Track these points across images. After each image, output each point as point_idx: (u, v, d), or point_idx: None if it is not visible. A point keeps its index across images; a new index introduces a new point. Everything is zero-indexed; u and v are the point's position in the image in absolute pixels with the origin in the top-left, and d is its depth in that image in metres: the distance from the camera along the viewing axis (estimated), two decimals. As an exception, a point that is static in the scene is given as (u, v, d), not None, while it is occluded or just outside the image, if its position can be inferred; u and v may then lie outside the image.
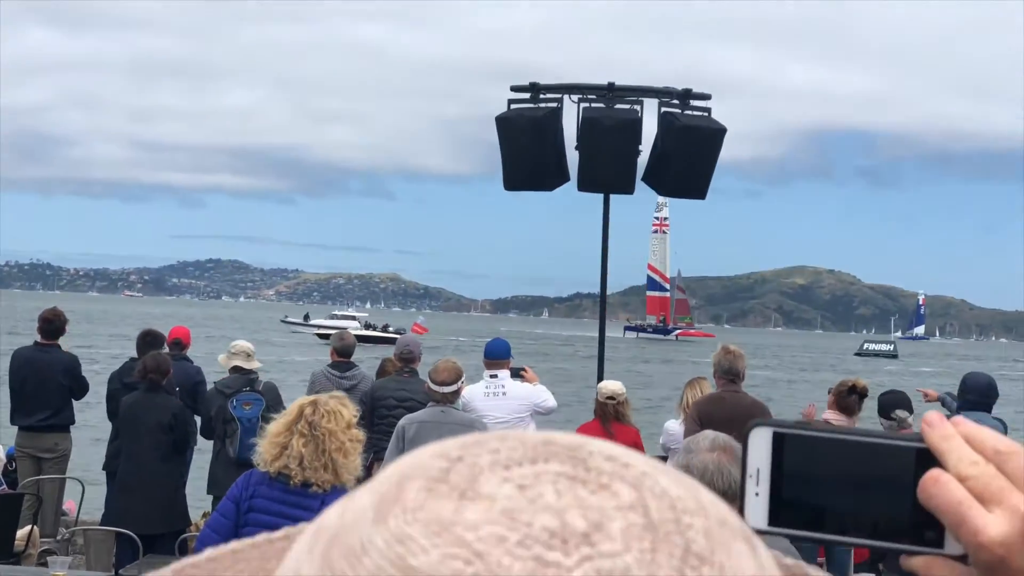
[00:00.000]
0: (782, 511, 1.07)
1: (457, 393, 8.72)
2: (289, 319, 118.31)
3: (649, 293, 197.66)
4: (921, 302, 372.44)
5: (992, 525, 0.97)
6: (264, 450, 5.49)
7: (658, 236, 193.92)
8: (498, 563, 0.64)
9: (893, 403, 8.80)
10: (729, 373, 8.93)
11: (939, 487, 1.00)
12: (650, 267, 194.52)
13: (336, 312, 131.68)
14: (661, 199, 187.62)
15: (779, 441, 1.06)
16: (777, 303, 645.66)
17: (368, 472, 10.40)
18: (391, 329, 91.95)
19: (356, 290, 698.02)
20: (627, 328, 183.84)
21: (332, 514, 0.69)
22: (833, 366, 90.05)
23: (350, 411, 5.62)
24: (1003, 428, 9.63)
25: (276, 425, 5.50)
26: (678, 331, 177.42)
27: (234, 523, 5.53)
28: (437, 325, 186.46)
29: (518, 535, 0.65)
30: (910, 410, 8.80)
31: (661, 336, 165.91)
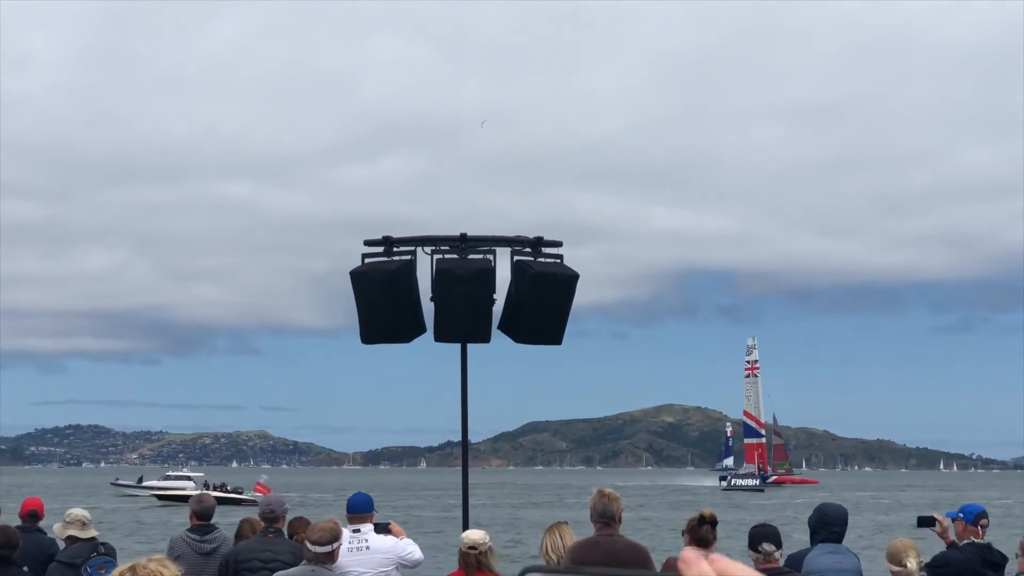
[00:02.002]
0: None
1: (332, 555, 8.62)
2: (120, 481, 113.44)
3: (746, 440, 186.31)
4: (728, 433, 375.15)
5: None
6: None
7: (750, 380, 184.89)
8: None
9: (761, 536, 8.92)
10: (604, 516, 8.97)
11: None
12: (745, 413, 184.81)
13: (170, 473, 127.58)
14: (750, 341, 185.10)
15: None
16: (647, 442, 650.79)
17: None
18: (229, 488, 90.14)
19: (223, 449, 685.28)
20: (721, 478, 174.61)
21: None
22: (696, 503, 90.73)
23: (171, 571, 5.57)
24: (856, 560, 9.85)
25: None
26: (773, 478, 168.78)
27: None
28: (307, 481, 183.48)
29: None
30: (778, 544, 8.92)
31: (757, 484, 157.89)
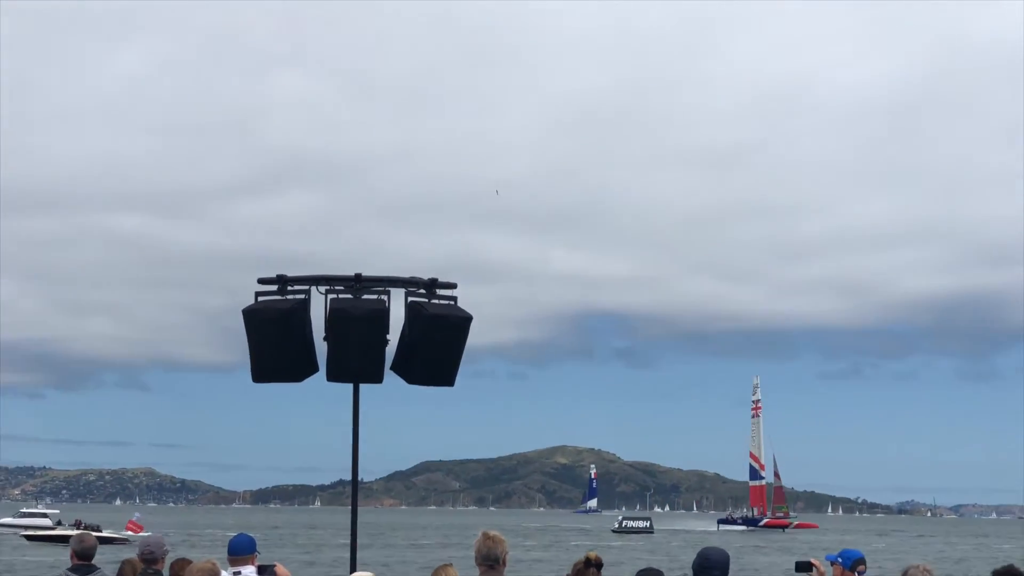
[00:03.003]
0: None
1: None
2: None
3: (751, 483, 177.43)
4: (593, 475, 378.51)
5: None
6: None
7: (755, 420, 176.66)
8: None
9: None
10: (488, 559, 8.95)
11: None
12: (751, 455, 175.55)
13: (24, 510, 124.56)
14: (755, 380, 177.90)
15: None
16: (540, 483, 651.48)
17: None
18: (84, 525, 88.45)
19: (108, 486, 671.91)
20: (720, 521, 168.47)
21: None
22: (581, 545, 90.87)
23: None
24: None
25: None
26: (765, 520, 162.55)
27: None
28: (194, 520, 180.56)
29: None
30: (661, 586, 8.98)
31: (750, 527, 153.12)
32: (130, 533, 74.71)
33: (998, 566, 8.01)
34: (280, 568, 10.45)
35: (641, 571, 9.20)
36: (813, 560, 10.78)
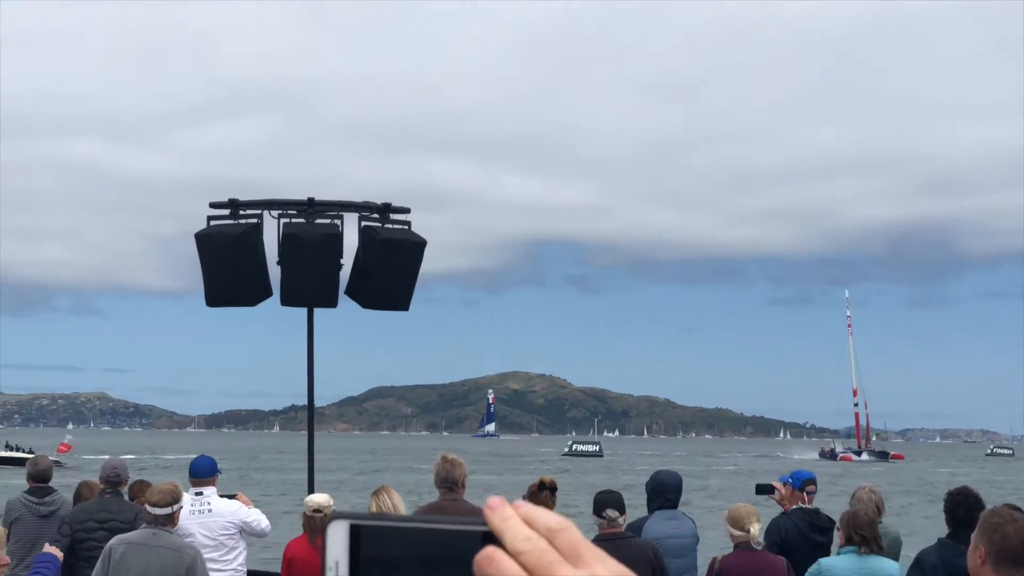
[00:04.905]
0: None
1: (172, 517, 8.55)
2: None
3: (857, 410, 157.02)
4: (491, 400, 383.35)
5: None
6: None
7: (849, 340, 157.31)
8: None
9: (605, 503, 9.09)
10: (447, 482, 9.12)
11: (492, 564, 1.08)
12: (855, 392, 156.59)
13: None
14: (846, 295, 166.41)
15: (356, 533, 1.12)
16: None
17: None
18: (14, 447, 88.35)
19: (61, 410, 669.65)
20: (821, 454, 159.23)
21: None
22: (536, 469, 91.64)
23: None
24: (692, 525, 10.17)
25: None
26: (841, 454, 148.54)
27: None
28: (151, 443, 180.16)
29: None
30: (622, 510, 9.10)
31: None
32: (62, 455, 74.34)
33: (952, 488, 8.21)
34: (242, 496, 10.55)
35: (600, 492, 9.36)
36: (775, 483, 10.99)
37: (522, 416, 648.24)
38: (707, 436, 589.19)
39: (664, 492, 10.22)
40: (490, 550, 1.09)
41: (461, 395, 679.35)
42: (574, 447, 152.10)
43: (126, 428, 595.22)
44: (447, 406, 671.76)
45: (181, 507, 8.72)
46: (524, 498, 9.82)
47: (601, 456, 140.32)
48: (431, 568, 1.11)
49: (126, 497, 10.62)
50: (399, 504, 9.61)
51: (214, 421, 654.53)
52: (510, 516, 1.10)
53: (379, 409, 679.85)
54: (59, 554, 7.17)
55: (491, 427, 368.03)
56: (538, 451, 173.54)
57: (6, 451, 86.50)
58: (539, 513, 1.10)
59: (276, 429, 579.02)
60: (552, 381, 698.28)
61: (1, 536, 5.53)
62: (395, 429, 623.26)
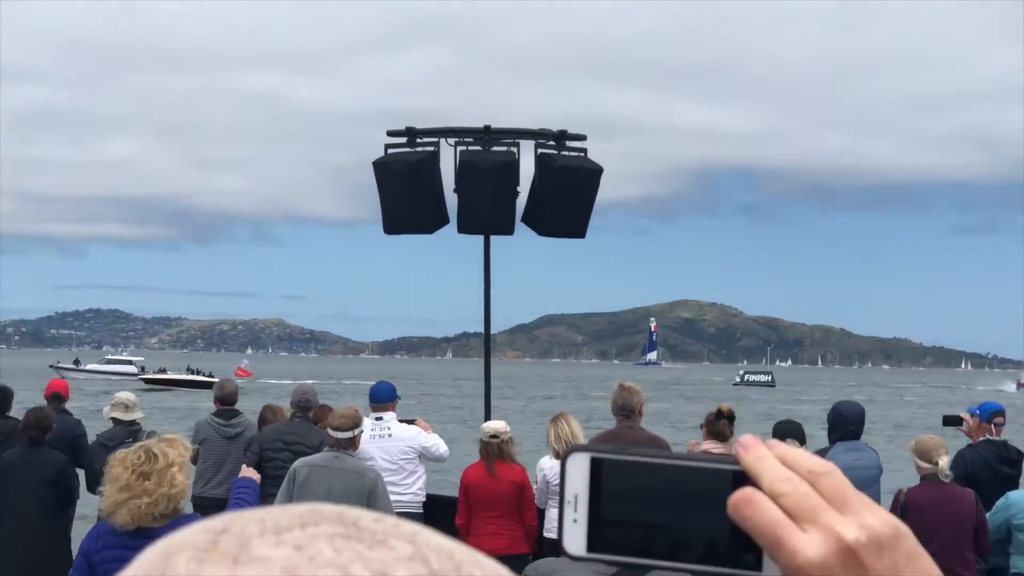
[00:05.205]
0: (601, 537, 1.07)
1: (353, 441, 8.66)
2: (60, 364, 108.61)
3: None
4: (653, 328, 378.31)
5: (809, 546, 0.98)
6: (105, 504, 5.60)
7: None
8: None
9: (785, 432, 8.93)
10: (624, 409, 9.03)
11: (752, 507, 1.00)
12: None
13: (110, 356, 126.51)
14: None
15: (597, 467, 1.06)
16: (662, 337, 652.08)
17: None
18: (196, 371, 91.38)
19: (240, 336, 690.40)
20: (1019, 385, 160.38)
21: None
22: (709, 398, 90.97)
23: (176, 450, 5.75)
24: (876, 457, 9.93)
25: (110, 476, 5.60)
26: None
27: None
28: (327, 369, 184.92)
29: None
30: (802, 440, 8.93)
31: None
32: (239, 379, 76.73)
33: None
34: (421, 422, 10.68)
35: (779, 423, 9.20)
36: (963, 414, 10.66)
37: (692, 345, 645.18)
38: (884, 367, 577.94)
39: (846, 423, 9.98)
40: (748, 491, 1.00)
41: (632, 323, 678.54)
42: (746, 377, 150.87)
43: (302, 354, 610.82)
44: (617, 334, 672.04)
45: (362, 431, 8.85)
46: (701, 427, 9.73)
47: (773, 386, 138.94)
48: (675, 506, 1.05)
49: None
50: (577, 431, 9.62)
51: (387, 348, 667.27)
52: (765, 456, 1.01)
53: (550, 337, 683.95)
54: (257, 477, 7.36)
55: (653, 355, 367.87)
56: (708, 380, 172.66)
57: (188, 375, 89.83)
58: (798, 454, 1.01)
59: (448, 356, 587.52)
60: (723, 310, 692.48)
61: (182, 452, 5.73)
62: (565, 357, 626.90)
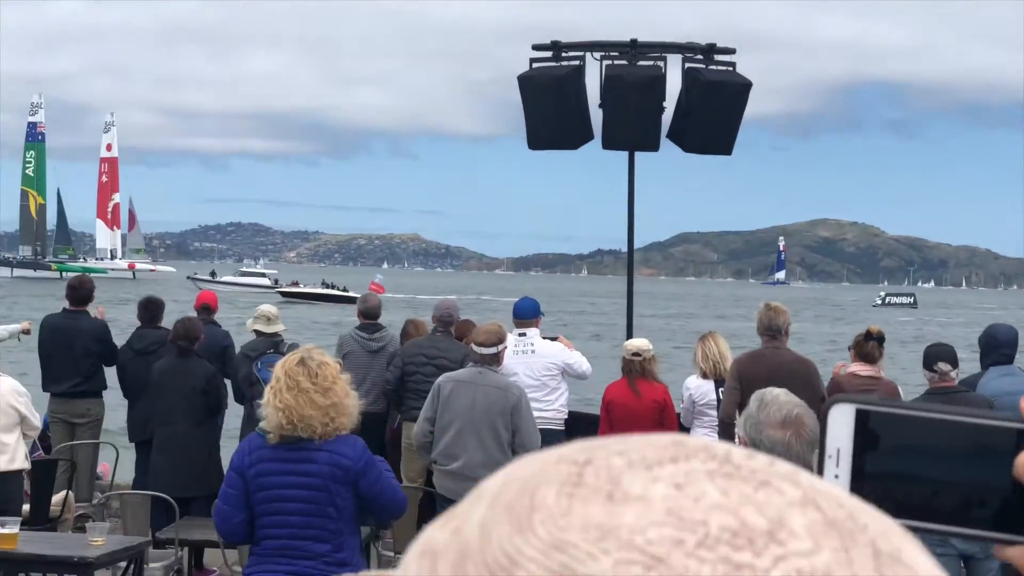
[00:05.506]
0: (863, 495, 0.95)
1: (497, 356, 8.62)
2: (197, 276, 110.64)
3: None
4: (781, 248, 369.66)
5: None
6: (267, 415, 5.47)
7: None
8: (683, 567, 0.58)
9: (937, 356, 8.66)
10: (770, 329, 8.85)
11: None
12: None
13: (244, 269, 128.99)
14: None
15: (863, 419, 0.98)
16: (800, 256, 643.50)
17: (396, 434, 10.50)
18: (301, 286, 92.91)
19: (377, 251, 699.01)
20: None
21: (435, 537, 0.63)
22: (847, 319, 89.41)
23: (333, 362, 5.69)
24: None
25: (275, 391, 5.47)
26: None
27: (242, 492, 5.57)
28: (463, 284, 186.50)
29: (696, 536, 0.59)
30: (954, 364, 8.66)
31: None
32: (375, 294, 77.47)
33: None
34: (563, 339, 10.65)
35: (930, 346, 8.94)
36: None
37: (832, 264, 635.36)
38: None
39: (998, 347, 9.66)
40: None
41: (768, 242, 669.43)
42: (887, 298, 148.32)
43: (437, 269, 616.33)
44: (754, 253, 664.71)
45: (505, 347, 8.84)
46: (849, 349, 9.51)
47: (915, 307, 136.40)
48: (948, 465, 0.96)
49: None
50: (725, 351, 9.49)
51: (521, 264, 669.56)
52: None
53: (684, 255, 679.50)
54: None
55: (780, 274, 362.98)
56: (845, 300, 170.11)
57: (323, 288, 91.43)
58: None
59: (584, 273, 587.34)
60: (864, 229, 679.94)
61: (336, 366, 5.69)
62: (700, 275, 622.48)
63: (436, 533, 0.64)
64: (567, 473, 0.62)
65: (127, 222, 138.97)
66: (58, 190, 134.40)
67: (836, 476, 0.98)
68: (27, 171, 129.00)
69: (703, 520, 0.59)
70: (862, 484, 0.98)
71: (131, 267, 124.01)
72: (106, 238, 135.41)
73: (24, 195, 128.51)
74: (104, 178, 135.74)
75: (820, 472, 0.98)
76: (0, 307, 53.40)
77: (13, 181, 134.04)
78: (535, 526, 0.60)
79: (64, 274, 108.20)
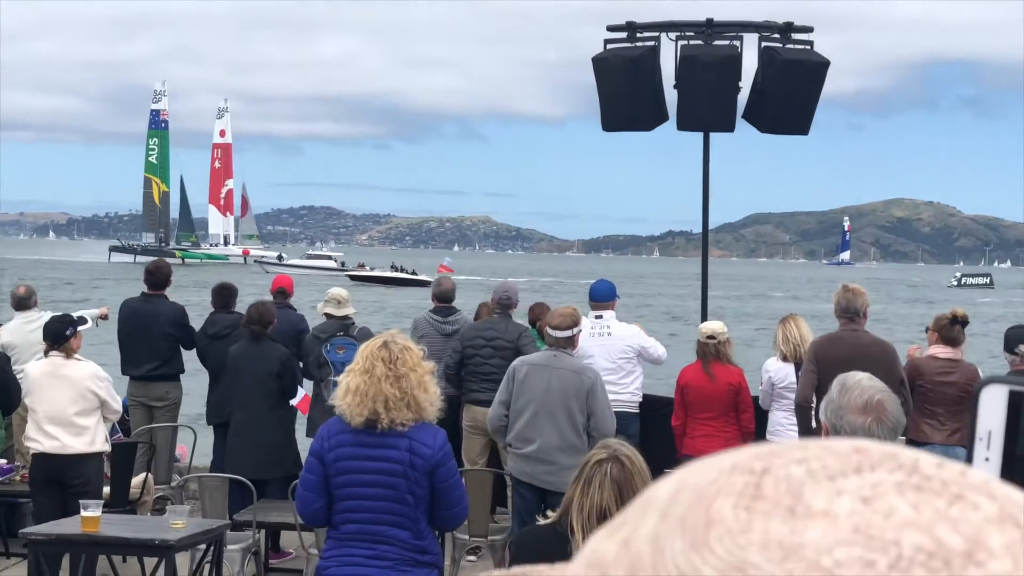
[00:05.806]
0: (1014, 478, 0.93)
1: (572, 339, 8.57)
2: (264, 259, 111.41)
3: None
4: (847, 228, 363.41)
5: None
6: (347, 402, 5.39)
7: None
8: None
9: (1018, 338, 8.52)
10: (848, 311, 8.72)
11: None
12: None
13: (311, 252, 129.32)
14: None
15: (1016, 402, 0.96)
16: (874, 236, 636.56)
17: (457, 416, 10.49)
18: (367, 269, 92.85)
19: (448, 233, 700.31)
20: None
21: (603, 548, 0.60)
22: (924, 300, 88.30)
23: (419, 348, 5.62)
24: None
25: (353, 373, 5.41)
26: None
27: (322, 478, 5.53)
28: (533, 266, 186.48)
29: (888, 558, 0.55)
30: (1038, 345, 8.50)
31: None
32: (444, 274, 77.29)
33: None
34: (637, 325, 10.59)
35: (1012, 328, 8.79)
36: None
37: (906, 245, 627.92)
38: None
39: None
40: None
41: (841, 222, 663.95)
42: (962, 279, 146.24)
43: (508, 251, 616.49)
44: (827, 233, 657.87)
45: (580, 330, 8.78)
46: (929, 330, 9.36)
47: (992, 288, 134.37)
48: None
49: (526, 321, 10.91)
50: (807, 333, 9.38)
51: (592, 246, 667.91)
52: None
53: (756, 236, 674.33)
54: None
55: (845, 255, 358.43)
56: (919, 281, 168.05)
57: (392, 271, 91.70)
58: None
59: (656, 254, 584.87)
60: (939, 208, 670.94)
61: (419, 351, 5.63)
62: (772, 256, 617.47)
63: (604, 544, 0.61)
64: (744, 483, 0.59)
65: (239, 208, 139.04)
66: (181, 177, 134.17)
67: (987, 459, 0.96)
68: (150, 158, 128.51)
69: (895, 539, 0.55)
70: (1013, 467, 0.95)
71: (245, 253, 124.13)
72: (219, 224, 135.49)
73: (147, 182, 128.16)
74: (217, 164, 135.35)
75: (969, 455, 0.97)
76: (85, 292, 54.25)
77: (136, 168, 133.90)
78: (712, 543, 0.57)
79: (186, 261, 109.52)
